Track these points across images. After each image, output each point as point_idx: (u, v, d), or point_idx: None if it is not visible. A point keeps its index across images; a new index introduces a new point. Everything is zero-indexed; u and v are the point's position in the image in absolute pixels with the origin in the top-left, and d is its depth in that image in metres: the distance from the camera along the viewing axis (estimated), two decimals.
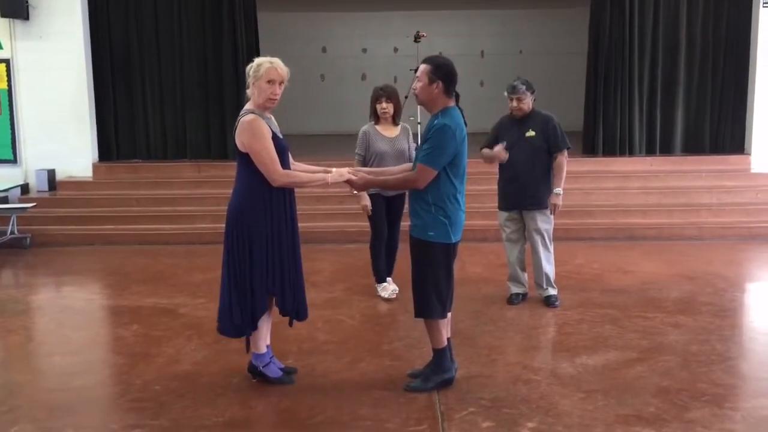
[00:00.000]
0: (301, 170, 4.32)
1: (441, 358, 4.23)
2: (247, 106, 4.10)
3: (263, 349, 4.30)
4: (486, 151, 5.81)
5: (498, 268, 7.14)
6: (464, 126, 4.05)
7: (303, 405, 4.06)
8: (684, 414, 3.88)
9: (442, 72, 4.01)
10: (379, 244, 6.12)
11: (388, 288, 6.16)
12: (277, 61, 4.06)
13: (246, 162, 4.05)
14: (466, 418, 3.87)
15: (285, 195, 4.14)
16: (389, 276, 6.32)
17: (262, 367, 4.31)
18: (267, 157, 3.98)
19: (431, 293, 4.10)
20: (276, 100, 4.07)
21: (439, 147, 3.93)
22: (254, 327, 4.20)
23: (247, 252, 4.07)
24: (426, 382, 4.22)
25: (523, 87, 5.71)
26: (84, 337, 5.51)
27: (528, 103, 5.75)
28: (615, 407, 3.97)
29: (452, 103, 4.08)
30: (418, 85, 4.08)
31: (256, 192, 4.05)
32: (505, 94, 5.80)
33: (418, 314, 4.19)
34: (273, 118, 4.24)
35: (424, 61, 4.10)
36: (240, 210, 4.09)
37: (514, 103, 5.74)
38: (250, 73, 4.04)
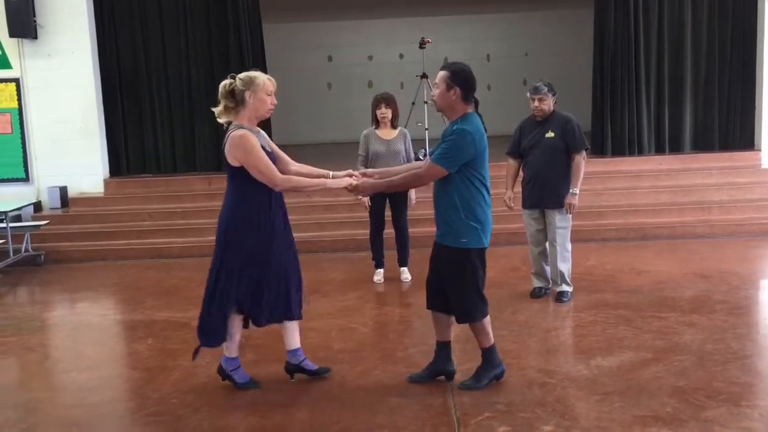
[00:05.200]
0: (305, 173, 4.43)
1: (491, 355, 4.33)
2: (237, 120, 4.20)
3: (235, 354, 4.45)
4: (505, 199, 6.14)
5: (510, 272, 7.13)
6: (484, 132, 4.09)
7: (319, 415, 4.07)
8: (701, 413, 3.87)
9: (460, 78, 4.06)
10: (376, 236, 6.77)
11: (381, 274, 6.80)
12: (265, 74, 4.23)
13: (233, 175, 4.20)
14: (482, 423, 3.87)
15: (272, 206, 4.21)
16: (404, 266, 6.77)
17: (231, 370, 4.45)
18: (263, 166, 4.10)
19: (475, 297, 4.22)
20: (273, 109, 4.28)
21: (455, 149, 4.00)
22: (205, 337, 4.30)
23: (219, 261, 4.20)
24: (479, 380, 4.29)
25: (545, 88, 5.87)
26: (100, 352, 5.55)
27: (549, 104, 5.89)
28: (631, 408, 3.96)
29: (471, 110, 4.12)
30: (436, 91, 4.15)
31: (241, 205, 4.19)
32: (528, 94, 5.97)
33: (463, 320, 4.28)
34: (262, 131, 4.36)
35: (443, 68, 4.15)
36: (227, 223, 4.23)
37: (536, 103, 5.88)
38: (241, 87, 4.13)
